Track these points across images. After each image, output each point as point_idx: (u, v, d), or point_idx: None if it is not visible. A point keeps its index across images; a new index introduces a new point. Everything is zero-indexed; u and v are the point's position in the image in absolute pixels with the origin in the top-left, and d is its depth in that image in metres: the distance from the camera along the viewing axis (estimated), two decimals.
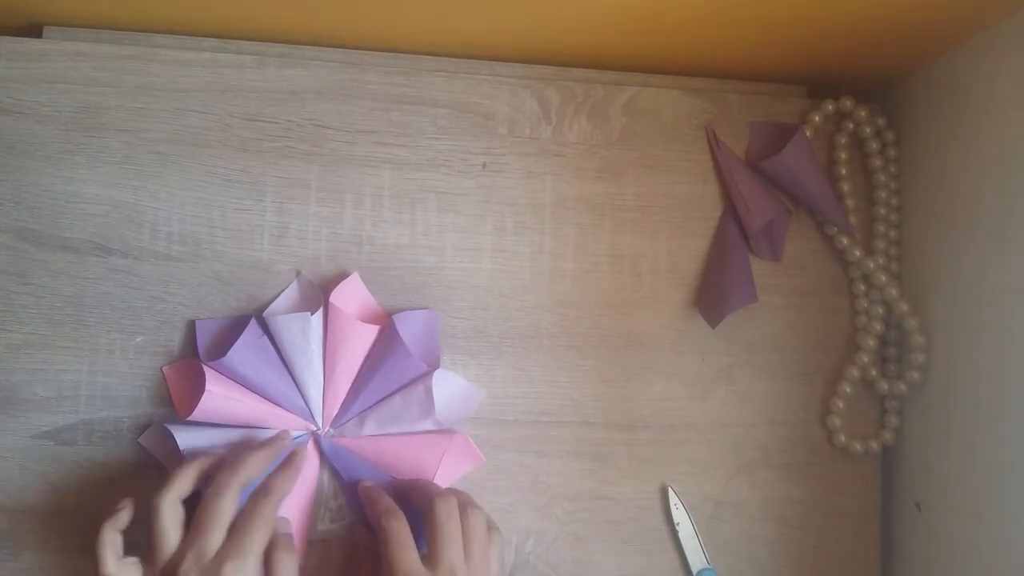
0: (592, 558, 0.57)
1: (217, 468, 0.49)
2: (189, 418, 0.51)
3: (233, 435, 0.53)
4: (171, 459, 0.52)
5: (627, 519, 0.58)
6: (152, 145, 0.55)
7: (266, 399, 0.53)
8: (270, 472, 0.50)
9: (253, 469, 0.49)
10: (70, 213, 0.54)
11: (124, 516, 0.47)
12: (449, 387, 0.55)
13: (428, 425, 0.54)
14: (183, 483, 0.48)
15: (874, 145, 0.61)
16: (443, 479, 0.55)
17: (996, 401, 0.51)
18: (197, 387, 0.52)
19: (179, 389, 0.53)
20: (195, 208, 0.55)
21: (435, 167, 0.58)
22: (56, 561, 0.52)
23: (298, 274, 0.55)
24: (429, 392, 0.53)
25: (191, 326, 0.54)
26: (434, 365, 0.55)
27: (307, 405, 0.54)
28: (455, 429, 0.56)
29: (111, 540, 0.46)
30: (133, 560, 0.46)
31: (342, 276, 0.55)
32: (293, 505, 0.52)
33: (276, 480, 0.49)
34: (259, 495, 0.48)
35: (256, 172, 0.56)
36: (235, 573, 0.44)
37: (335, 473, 0.54)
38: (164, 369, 0.54)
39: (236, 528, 0.46)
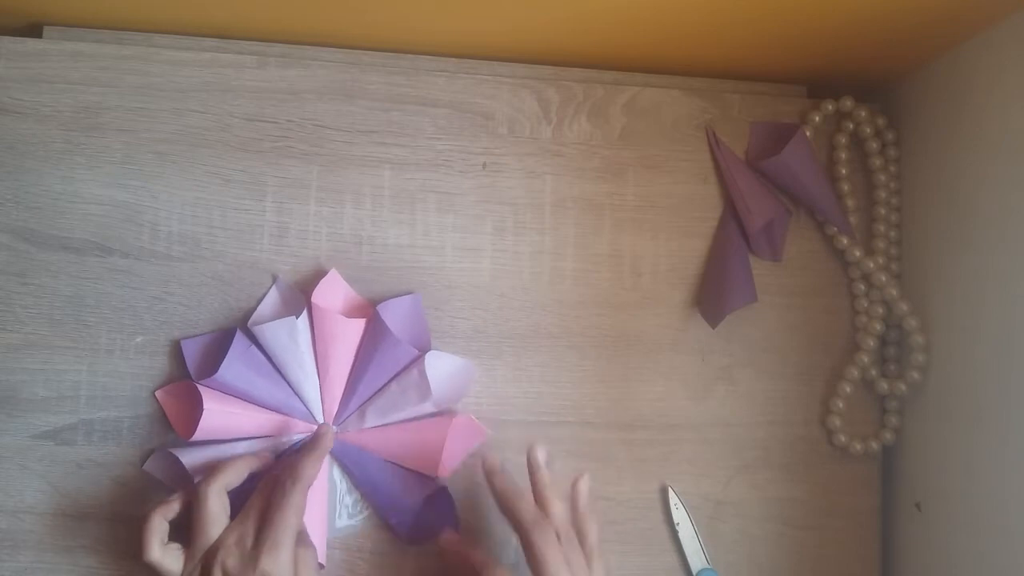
0: None
1: (265, 467, 0.50)
2: (192, 438, 0.51)
3: (238, 448, 0.52)
4: (178, 482, 0.52)
5: (627, 519, 0.58)
6: (152, 145, 0.55)
7: (265, 408, 0.53)
8: (295, 456, 0.50)
9: (312, 472, 0.49)
10: (70, 213, 0.54)
11: (175, 506, 0.48)
12: (443, 366, 0.55)
13: (428, 408, 0.54)
14: (232, 475, 0.49)
15: (874, 145, 0.61)
16: (450, 459, 0.55)
17: (996, 401, 0.51)
18: (194, 407, 0.52)
19: (176, 412, 0.53)
20: (195, 208, 0.55)
21: (435, 167, 0.58)
22: (55, 561, 0.52)
23: (275, 278, 0.55)
24: (424, 375, 0.53)
25: (180, 342, 0.54)
26: (425, 348, 0.55)
27: (306, 407, 0.54)
28: (456, 409, 0.56)
29: (158, 527, 0.47)
30: (176, 546, 0.47)
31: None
32: (308, 506, 0.52)
33: (302, 464, 0.48)
34: (287, 481, 0.48)
35: (256, 172, 0.56)
36: (272, 564, 0.45)
37: (345, 470, 0.54)
38: (157, 394, 0.53)
39: (269, 519, 0.46)
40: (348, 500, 0.55)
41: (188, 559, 0.47)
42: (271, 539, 0.46)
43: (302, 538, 0.49)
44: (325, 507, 0.54)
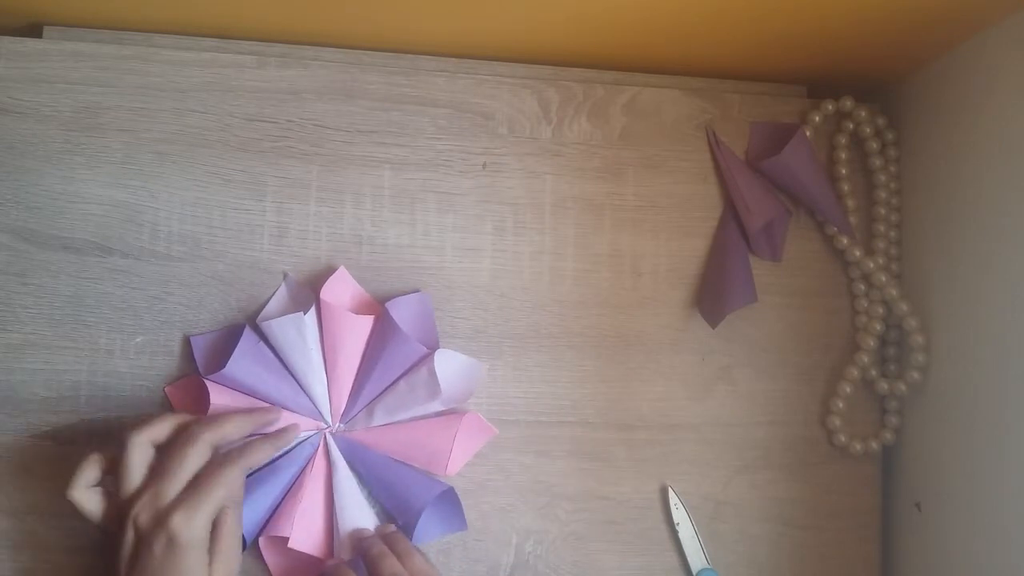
0: (592, 558, 0.57)
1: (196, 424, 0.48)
2: None
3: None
4: None
5: (627, 519, 0.58)
6: (152, 145, 0.55)
7: (272, 404, 0.53)
8: (255, 440, 0.50)
9: (229, 429, 0.48)
10: (70, 213, 0.54)
11: (107, 461, 0.47)
12: (452, 365, 0.55)
13: (436, 406, 0.54)
14: (160, 429, 0.47)
15: (874, 145, 0.61)
16: (459, 458, 0.55)
17: (996, 401, 0.51)
18: (202, 402, 0.52)
19: (184, 406, 0.53)
20: (195, 208, 0.55)
21: (435, 167, 0.58)
22: (56, 561, 0.52)
23: (285, 276, 0.55)
24: (433, 373, 0.53)
25: (189, 338, 0.54)
26: (433, 346, 0.55)
27: (314, 404, 0.54)
28: (463, 406, 0.56)
29: (88, 470, 0.46)
30: (99, 490, 0.47)
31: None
32: (313, 501, 0.53)
33: (253, 445, 0.48)
34: (232, 454, 0.47)
35: (256, 172, 0.56)
36: (183, 523, 0.44)
37: (352, 468, 0.54)
38: (166, 389, 0.54)
39: (195, 481, 0.45)
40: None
41: (108, 506, 0.46)
42: (190, 501, 0.44)
43: (237, 502, 0.48)
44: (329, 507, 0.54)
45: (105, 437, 0.53)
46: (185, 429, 0.48)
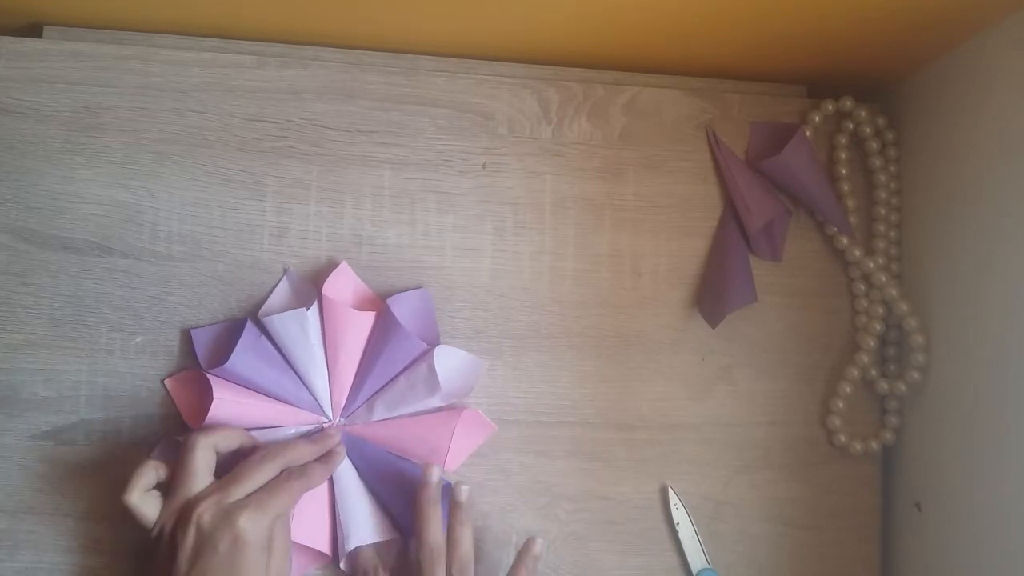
0: (592, 558, 0.57)
1: (253, 448, 0.50)
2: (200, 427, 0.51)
3: None
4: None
5: (627, 519, 0.58)
6: (152, 145, 0.55)
7: (274, 398, 0.53)
8: (311, 463, 0.51)
9: (301, 454, 0.50)
10: (70, 213, 0.54)
11: (166, 469, 0.48)
12: (451, 361, 0.55)
13: (436, 402, 0.54)
14: (226, 438, 0.49)
15: (874, 145, 0.61)
16: (457, 454, 0.55)
17: (996, 401, 0.51)
18: (203, 396, 0.52)
19: (184, 399, 0.53)
20: (195, 208, 0.55)
21: (435, 167, 0.58)
22: (55, 561, 0.52)
23: (286, 270, 0.55)
24: (432, 369, 0.53)
25: (188, 334, 0.54)
26: (433, 342, 0.55)
27: (315, 398, 0.54)
28: (464, 403, 0.56)
29: (146, 475, 0.47)
30: (156, 494, 0.47)
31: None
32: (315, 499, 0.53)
33: (313, 467, 0.50)
34: (294, 473, 0.49)
35: (256, 172, 0.56)
36: (250, 523, 0.45)
37: (352, 462, 0.54)
38: (166, 381, 0.54)
39: (265, 488, 0.47)
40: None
41: (165, 507, 0.47)
42: (258, 504, 0.46)
43: (288, 525, 0.50)
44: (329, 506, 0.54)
45: (108, 437, 0.53)
46: (260, 446, 0.50)
